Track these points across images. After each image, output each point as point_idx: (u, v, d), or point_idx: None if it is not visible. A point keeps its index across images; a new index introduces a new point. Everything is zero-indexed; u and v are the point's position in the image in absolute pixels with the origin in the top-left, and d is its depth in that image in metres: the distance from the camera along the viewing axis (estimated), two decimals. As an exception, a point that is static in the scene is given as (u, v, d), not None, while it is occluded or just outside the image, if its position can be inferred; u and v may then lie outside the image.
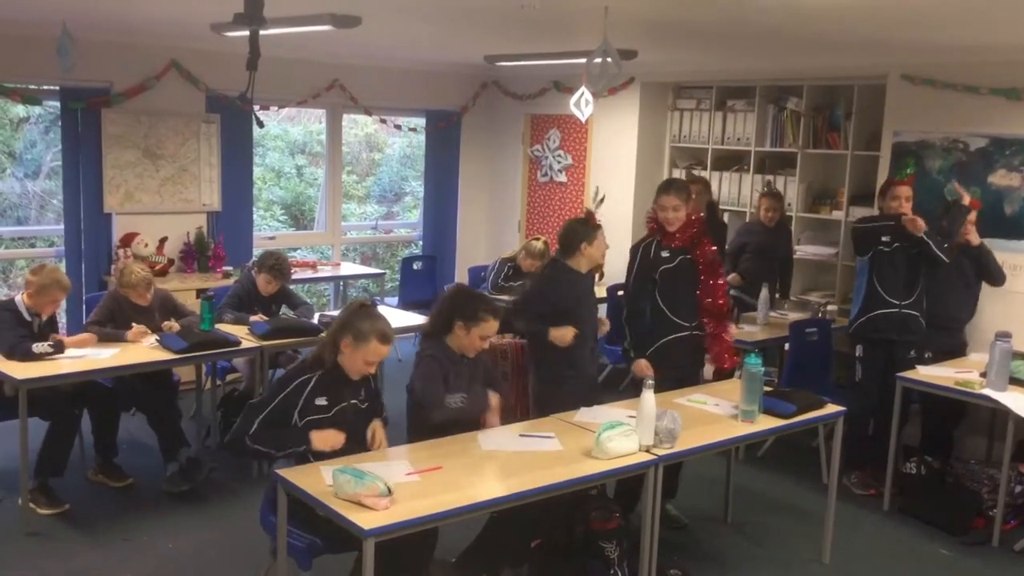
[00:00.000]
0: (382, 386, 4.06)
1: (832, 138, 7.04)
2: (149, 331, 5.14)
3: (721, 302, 4.67)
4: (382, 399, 3.90)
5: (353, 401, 3.67)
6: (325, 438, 3.51)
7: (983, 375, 4.87)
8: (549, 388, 4.48)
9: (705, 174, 7.60)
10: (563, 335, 4.38)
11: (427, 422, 3.85)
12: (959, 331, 5.63)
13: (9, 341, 4.67)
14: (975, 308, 5.64)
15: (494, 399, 4.03)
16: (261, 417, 3.50)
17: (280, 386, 3.61)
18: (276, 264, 5.71)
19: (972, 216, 5.37)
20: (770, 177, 7.33)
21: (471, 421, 3.96)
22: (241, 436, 3.49)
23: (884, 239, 5.23)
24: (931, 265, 5.19)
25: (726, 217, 7.43)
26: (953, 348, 5.50)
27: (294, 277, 6.46)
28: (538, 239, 7.05)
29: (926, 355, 5.33)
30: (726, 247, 6.72)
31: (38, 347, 4.68)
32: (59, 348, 4.75)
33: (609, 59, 4.58)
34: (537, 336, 4.48)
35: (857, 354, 5.42)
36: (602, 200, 7.53)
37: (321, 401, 3.57)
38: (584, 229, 4.56)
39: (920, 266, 5.23)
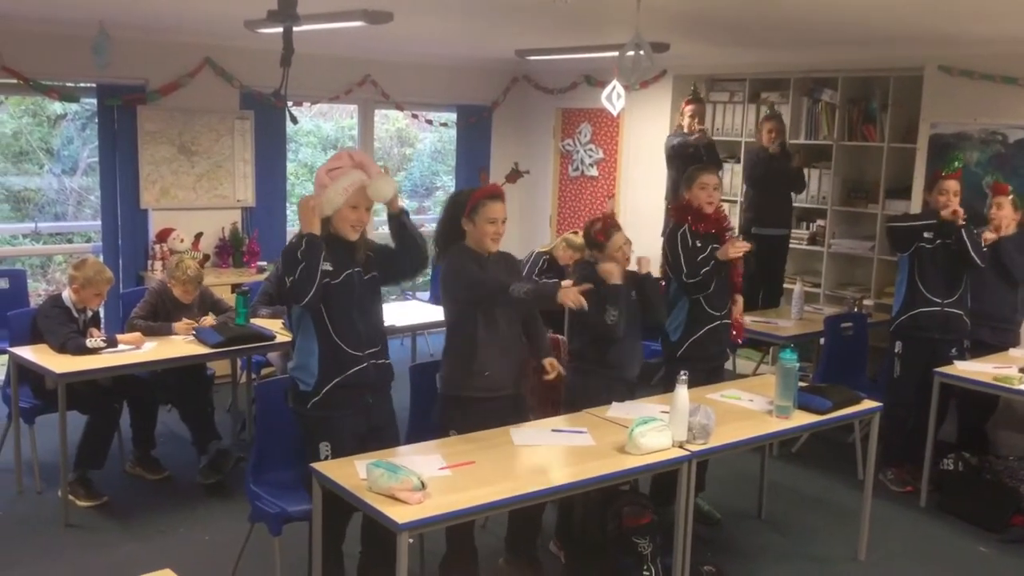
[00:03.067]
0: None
1: (868, 130, 6.96)
2: (196, 324, 5.20)
3: (737, 280, 4.68)
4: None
5: (358, 270, 3.61)
6: None
7: (1023, 370, 4.80)
8: (582, 381, 4.41)
9: (738, 167, 7.54)
10: (609, 270, 4.20)
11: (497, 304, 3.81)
12: (1010, 330, 5.52)
13: (61, 336, 4.74)
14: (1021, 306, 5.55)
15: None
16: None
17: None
18: None
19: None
20: (771, 99, 7.39)
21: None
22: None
23: (926, 235, 5.15)
24: (967, 265, 5.12)
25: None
26: (1004, 347, 5.41)
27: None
28: (576, 233, 7.05)
29: (964, 345, 5.27)
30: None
31: (91, 342, 4.75)
32: (112, 343, 4.82)
33: (641, 52, 4.55)
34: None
35: (896, 350, 5.34)
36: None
37: (326, 266, 3.48)
38: (592, 241, 4.37)
39: (962, 263, 5.14)
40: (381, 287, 3.76)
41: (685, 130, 7.08)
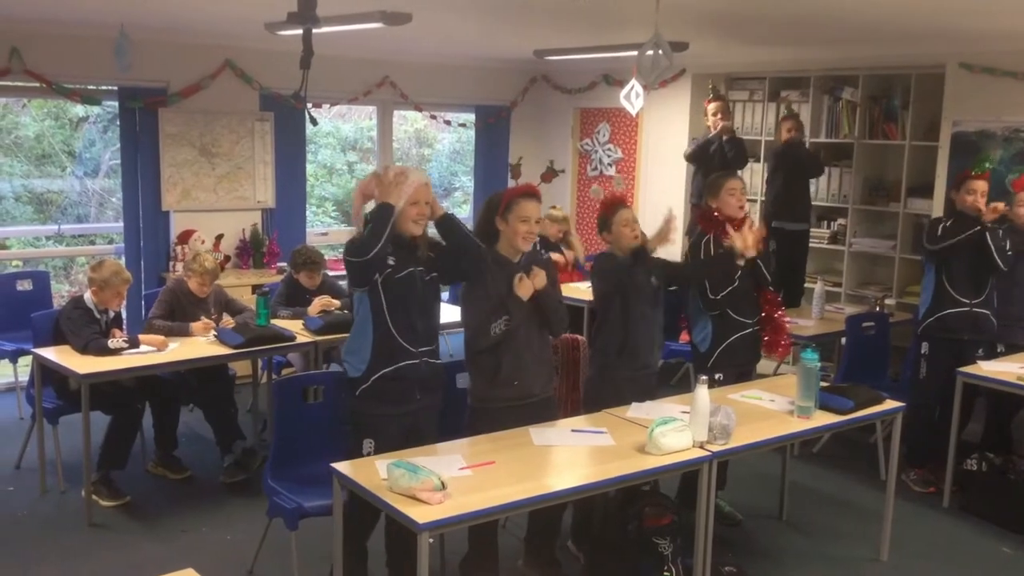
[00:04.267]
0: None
1: (889, 128, 6.91)
2: (214, 324, 5.23)
3: (778, 313, 4.67)
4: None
5: (420, 269, 3.70)
6: None
7: (1048, 370, 4.76)
8: (603, 378, 4.40)
9: (758, 166, 7.51)
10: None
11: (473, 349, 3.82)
12: None
13: (84, 338, 4.78)
14: None
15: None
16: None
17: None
18: (307, 259, 5.84)
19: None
20: (791, 98, 7.39)
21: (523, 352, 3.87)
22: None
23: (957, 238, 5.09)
24: (990, 268, 5.06)
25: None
26: None
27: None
28: (556, 207, 7.23)
29: (999, 349, 5.22)
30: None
31: (113, 342, 4.79)
32: (134, 343, 4.86)
33: (660, 51, 4.53)
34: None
35: (922, 351, 5.30)
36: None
37: (389, 260, 3.59)
38: (601, 220, 4.40)
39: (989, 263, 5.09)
40: (441, 287, 3.82)
41: (712, 130, 7.05)
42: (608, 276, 4.31)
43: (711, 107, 7.11)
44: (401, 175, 3.60)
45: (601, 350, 4.34)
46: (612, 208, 4.35)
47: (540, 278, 3.79)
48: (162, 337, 5.01)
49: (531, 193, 3.89)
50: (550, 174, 7.73)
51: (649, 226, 4.52)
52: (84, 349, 4.76)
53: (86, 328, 4.83)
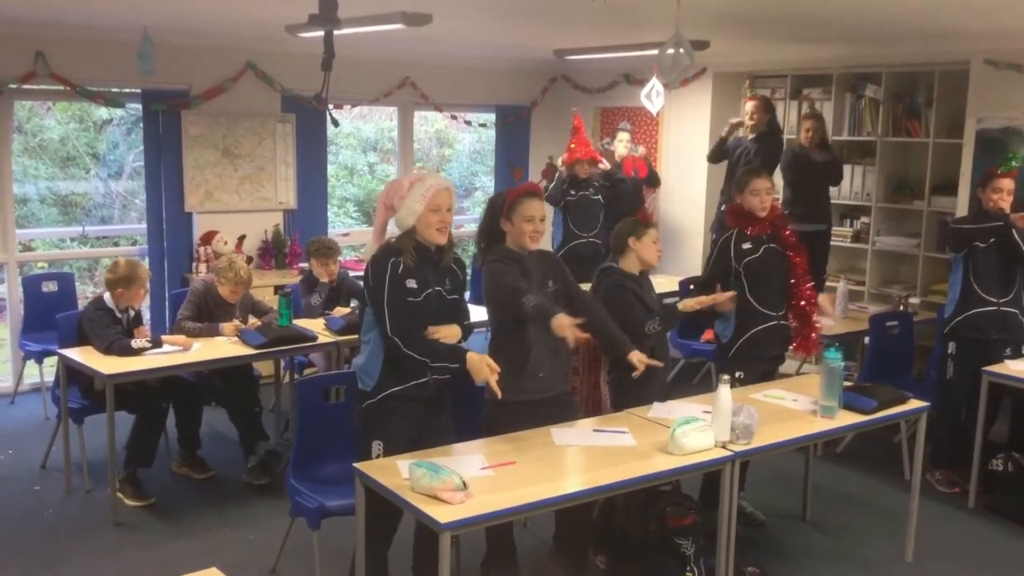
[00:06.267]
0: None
1: (912, 126, 6.86)
2: (242, 326, 5.26)
3: (809, 306, 4.61)
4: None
5: (439, 288, 3.63)
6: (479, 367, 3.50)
7: (1074, 369, 4.71)
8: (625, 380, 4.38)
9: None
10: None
11: (513, 315, 3.76)
12: None
13: (107, 338, 4.83)
14: None
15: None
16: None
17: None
18: (320, 246, 5.88)
19: None
20: (813, 96, 7.36)
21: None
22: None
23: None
24: (1021, 264, 5.01)
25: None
26: None
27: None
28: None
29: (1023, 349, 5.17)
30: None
31: (136, 342, 4.83)
32: (157, 343, 4.90)
33: (681, 50, 4.52)
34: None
35: (949, 351, 5.25)
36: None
37: (411, 283, 3.52)
38: (632, 226, 4.37)
39: (1016, 262, 5.04)
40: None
41: (744, 125, 7.01)
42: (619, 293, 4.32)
43: (748, 106, 7.05)
44: (418, 179, 3.57)
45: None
46: (637, 227, 4.34)
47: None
48: (185, 337, 5.04)
49: (533, 192, 3.89)
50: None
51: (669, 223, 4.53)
52: (108, 349, 4.80)
53: (108, 329, 4.87)
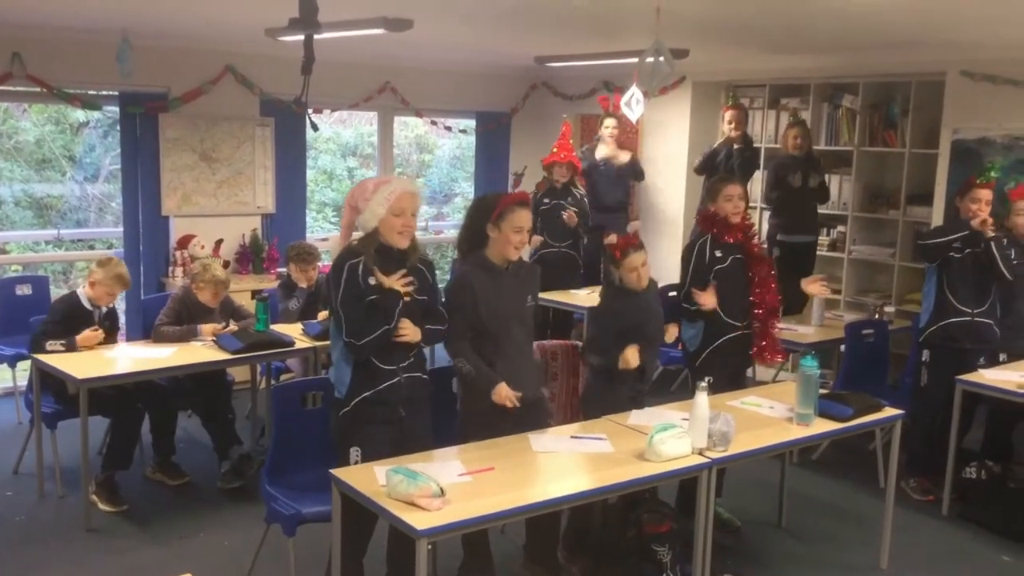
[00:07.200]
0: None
1: (888, 136, 6.92)
2: (221, 329, 5.23)
3: (772, 297, 4.64)
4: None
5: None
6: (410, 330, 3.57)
7: (1047, 378, 4.76)
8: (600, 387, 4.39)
9: (759, 174, 7.51)
10: (628, 359, 4.12)
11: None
12: None
13: (40, 331, 4.89)
14: None
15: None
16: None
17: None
18: (300, 251, 5.86)
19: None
20: (791, 105, 7.42)
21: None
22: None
23: (955, 245, 5.08)
24: (995, 278, 5.05)
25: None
26: None
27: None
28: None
29: (1000, 358, 5.22)
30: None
31: (50, 345, 4.85)
32: (71, 347, 4.88)
33: (661, 58, 4.54)
34: (608, 369, 4.26)
35: (924, 359, 5.29)
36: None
37: (372, 281, 3.53)
38: (610, 258, 4.31)
39: (991, 272, 5.08)
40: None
41: (727, 135, 7.12)
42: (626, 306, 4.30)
43: (728, 115, 7.13)
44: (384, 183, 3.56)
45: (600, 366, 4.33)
46: (624, 250, 4.27)
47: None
48: (94, 333, 4.98)
49: (525, 202, 3.88)
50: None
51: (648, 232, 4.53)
52: (31, 344, 4.87)
53: (49, 324, 4.92)
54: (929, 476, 5.28)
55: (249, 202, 7.48)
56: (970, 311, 5.10)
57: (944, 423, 5.11)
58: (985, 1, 4.19)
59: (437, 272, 3.91)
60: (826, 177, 7.03)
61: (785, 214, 6.92)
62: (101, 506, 4.83)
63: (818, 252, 7.25)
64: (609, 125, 7.58)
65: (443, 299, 3.84)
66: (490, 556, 3.96)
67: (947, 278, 5.13)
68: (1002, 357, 5.24)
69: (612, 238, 4.57)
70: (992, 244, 4.97)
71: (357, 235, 3.72)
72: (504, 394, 3.73)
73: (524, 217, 3.80)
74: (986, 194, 5.02)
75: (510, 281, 3.87)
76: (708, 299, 4.51)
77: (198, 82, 7.05)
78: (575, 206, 7.06)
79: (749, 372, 5.31)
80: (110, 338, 5.16)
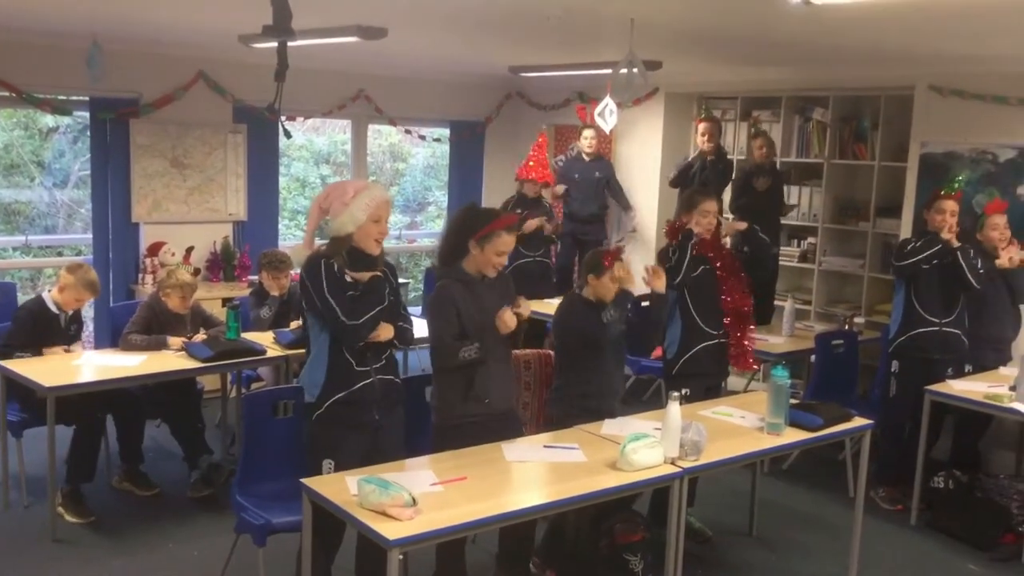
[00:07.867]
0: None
1: (858, 149, 7.00)
2: (190, 339, 5.17)
3: (743, 302, 4.68)
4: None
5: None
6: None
7: (1013, 388, 4.81)
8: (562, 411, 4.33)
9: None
10: (506, 321, 3.87)
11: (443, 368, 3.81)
12: (1006, 349, 5.53)
13: (1, 343, 4.89)
14: (1020, 325, 5.56)
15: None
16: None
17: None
18: (272, 259, 5.83)
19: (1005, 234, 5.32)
20: (761, 118, 7.51)
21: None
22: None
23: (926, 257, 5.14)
24: (962, 287, 5.12)
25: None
26: (1000, 366, 5.40)
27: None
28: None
29: (966, 369, 5.28)
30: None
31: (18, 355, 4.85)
32: (5, 355, 4.87)
33: (635, 70, 4.58)
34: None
35: (893, 370, 5.34)
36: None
37: (348, 279, 3.56)
38: (595, 265, 4.29)
39: (958, 283, 5.14)
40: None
41: (700, 147, 7.20)
42: (577, 323, 4.29)
43: (701, 127, 7.17)
44: (363, 190, 3.57)
45: (563, 384, 4.32)
46: (597, 265, 4.27)
47: (526, 308, 3.80)
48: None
49: (513, 227, 3.90)
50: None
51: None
52: None
53: (16, 335, 4.91)
54: (898, 486, 5.33)
55: (221, 209, 7.43)
56: (938, 320, 5.16)
57: (912, 433, 5.16)
58: (953, 17, 4.26)
59: (410, 281, 3.92)
60: (785, 189, 7.12)
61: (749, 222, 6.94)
62: (68, 517, 4.76)
63: (789, 263, 7.32)
64: (588, 136, 7.63)
65: (422, 311, 3.86)
66: (464, 566, 3.94)
67: (915, 288, 5.19)
68: (967, 368, 5.31)
69: (610, 246, 4.62)
70: (959, 254, 5.04)
71: (320, 243, 3.72)
72: (507, 316, 3.75)
73: (509, 243, 3.83)
74: (951, 205, 5.09)
75: (487, 292, 3.88)
76: (658, 282, 4.40)
77: (170, 88, 6.99)
78: (544, 215, 7.20)
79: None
80: (74, 341, 5.12)
